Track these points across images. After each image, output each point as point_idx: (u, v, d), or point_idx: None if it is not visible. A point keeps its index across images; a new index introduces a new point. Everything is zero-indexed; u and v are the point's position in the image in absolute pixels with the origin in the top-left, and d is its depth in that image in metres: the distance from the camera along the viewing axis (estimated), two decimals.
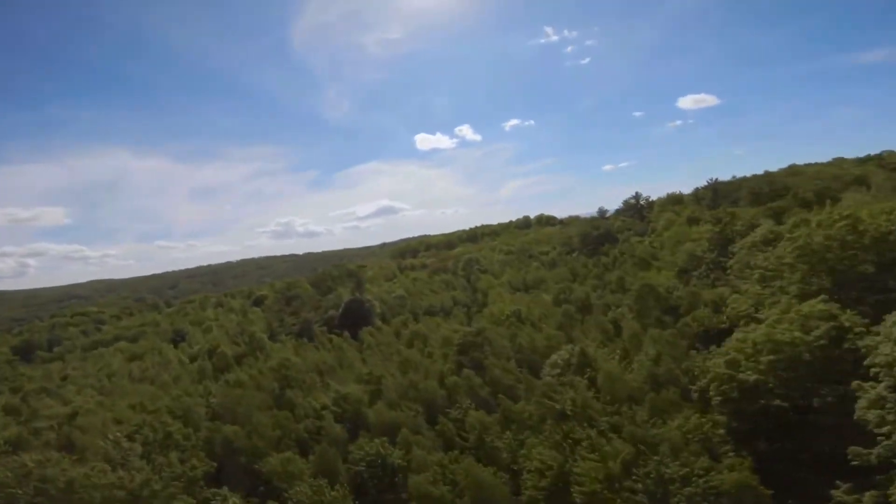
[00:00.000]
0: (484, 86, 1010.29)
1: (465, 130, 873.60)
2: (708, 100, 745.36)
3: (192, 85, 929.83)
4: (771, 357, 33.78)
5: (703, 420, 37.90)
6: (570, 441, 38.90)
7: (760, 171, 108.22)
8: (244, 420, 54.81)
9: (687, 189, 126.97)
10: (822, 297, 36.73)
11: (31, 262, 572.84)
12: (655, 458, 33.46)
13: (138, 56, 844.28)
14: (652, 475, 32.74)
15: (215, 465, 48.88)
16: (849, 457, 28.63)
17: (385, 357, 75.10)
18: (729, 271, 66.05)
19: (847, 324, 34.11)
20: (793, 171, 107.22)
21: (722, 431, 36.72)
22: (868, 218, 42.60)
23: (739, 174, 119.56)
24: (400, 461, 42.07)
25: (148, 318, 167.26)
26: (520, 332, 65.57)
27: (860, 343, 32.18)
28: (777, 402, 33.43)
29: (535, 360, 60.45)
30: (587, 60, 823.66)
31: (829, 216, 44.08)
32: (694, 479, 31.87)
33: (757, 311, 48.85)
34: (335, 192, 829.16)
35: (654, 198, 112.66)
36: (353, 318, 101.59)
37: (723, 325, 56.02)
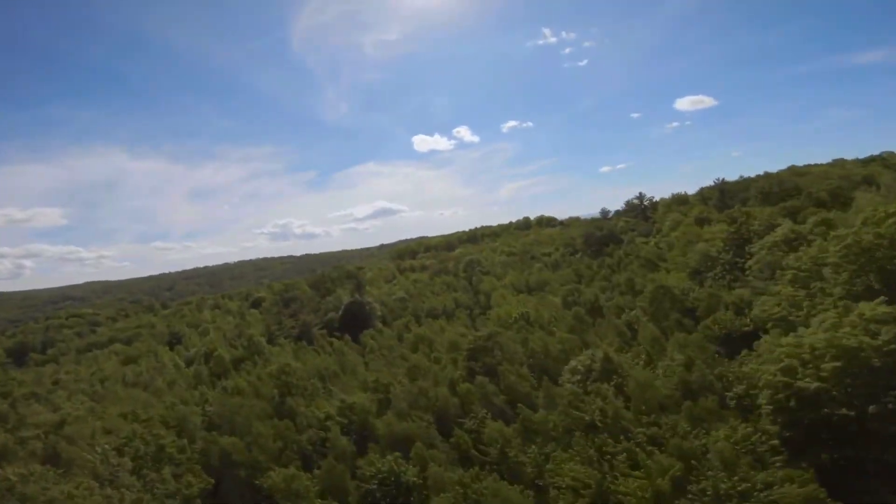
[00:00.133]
0: (482, 87, 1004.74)
1: (463, 132, 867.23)
2: (705, 101, 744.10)
3: (190, 85, 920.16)
4: (835, 363, 29.68)
5: (750, 430, 33.89)
6: (604, 455, 34.76)
7: (757, 173, 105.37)
8: (243, 430, 50.15)
9: (685, 190, 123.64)
10: (882, 298, 32.69)
11: (27, 263, 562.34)
12: (709, 472, 29.31)
13: (135, 56, 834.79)
14: (708, 492, 28.51)
15: (213, 481, 44.25)
16: None
17: (388, 361, 70.64)
18: (748, 272, 62.26)
19: None
20: (795, 171, 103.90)
21: (775, 442, 32.70)
22: None
23: (737, 175, 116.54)
24: (415, 479, 37.57)
25: (144, 320, 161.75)
26: (531, 336, 61.27)
27: None
28: (843, 410, 29.37)
29: (548, 364, 56.25)
30: (585, 62, 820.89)
31: (874, 213, 40.11)
32: (755, 494, 27.79)
33: (790, 313, 45.10)
34: (333, 194, 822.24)
35: (656, 198, 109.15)
36: (354, 321, 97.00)
37: (746, 328, 52.23)
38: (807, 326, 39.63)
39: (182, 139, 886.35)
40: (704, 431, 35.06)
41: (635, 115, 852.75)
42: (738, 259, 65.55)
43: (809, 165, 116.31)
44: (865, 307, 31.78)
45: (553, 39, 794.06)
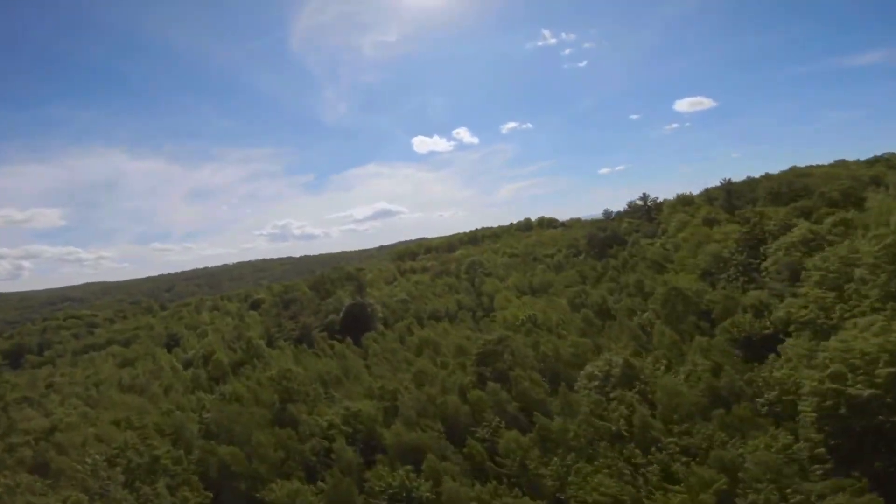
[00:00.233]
0: (481, 88, 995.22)
1: (463, 133, 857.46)
2: (704, 102, 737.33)
3: (189, 86, 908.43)
4: (890, 369, 26.77)
5: (791, 438, 30.99)
6: (635, 468, 31.75)
7: (758, 174, 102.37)
8: (242, 439, 46.81)
9: (685, 191, 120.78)
10: None
11: (26, 264, 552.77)
12: (757, 484, 26.33)
13: (134, 57, 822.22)
14: None
15: (211, 494, 40.92)
16: None
17: (392, 366, 67.38)
18: (763, 273, 59.43)
19: None
20: (800, 172, 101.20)
21: (820, 450, 29.76)
22: None
23: (737, 176, 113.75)
24: (429, 494, 34.39)
25: (142, 321, 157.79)
26: (541, 340, 58.20)
27: None
28: None
29: (559, 368, 53.18)
30: (584, 63, 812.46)
31: None
32: None
33: (818, 316, 42.22)
34: (332, 195, 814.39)
35: (660, 199, 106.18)
36: (355, 323, 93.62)
37: (767, 332, 49.36)
38: (840, 330, 36.93)
39: (181, 140, 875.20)
40: (741, 441, 32.18)
41: (634, 117, 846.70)
42: (752, 260, 62.69)
43: (811, 166, 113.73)
44: None
45: (553, 40, 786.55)
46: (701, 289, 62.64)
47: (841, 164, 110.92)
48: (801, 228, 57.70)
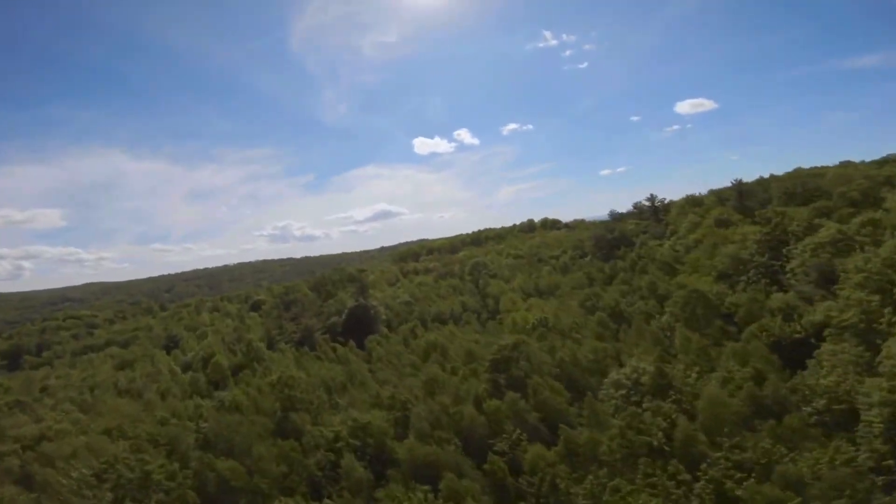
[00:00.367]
0: (482, 90, 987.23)
1: (464, 134, 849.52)
2: (706, 104, 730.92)
3: (189, 86, 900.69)
4: None
5: (853, 450, 27.21)
6: (680, 485, 27.84)
7: (759, 175, 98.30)
8: (242, 451, 42.73)
9: (686, 193, 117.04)
10: None
11: (27, 264, 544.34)
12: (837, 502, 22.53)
13: (135, 57, 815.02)
14: None
15: None
16: None
17: (398, 370, 63.34)
18: (788, 275, 55.72)
19: None
20: (810, 172, 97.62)
21: (889, 462, 25.96)
22: None
23: (737, 178, 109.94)
24: None
25: (141, 322, 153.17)
26: (556, 344, 54.33)
27: None
28: None
29: (576, 375, 49.32)
30: (585, 65, 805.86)
31: None
32: None
33: (862, 320, 38.45)
34: (332, 196, 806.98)
35: (667, 200, 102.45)
36: (358, 325, 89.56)
37: (797, 336, 45.66)
38: (892, 336, 33.23)
39: (181, 140, 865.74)
40: (798, 454, 28.35)
41: (635, 118, 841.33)
42: (774, 262, 58.97)
43: (817, 167, 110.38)
44: None
45: (553, 42, 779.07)
46: (720, 291, 58.90)
47: (847, 164, 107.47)
48: (830, 229, 53.98)
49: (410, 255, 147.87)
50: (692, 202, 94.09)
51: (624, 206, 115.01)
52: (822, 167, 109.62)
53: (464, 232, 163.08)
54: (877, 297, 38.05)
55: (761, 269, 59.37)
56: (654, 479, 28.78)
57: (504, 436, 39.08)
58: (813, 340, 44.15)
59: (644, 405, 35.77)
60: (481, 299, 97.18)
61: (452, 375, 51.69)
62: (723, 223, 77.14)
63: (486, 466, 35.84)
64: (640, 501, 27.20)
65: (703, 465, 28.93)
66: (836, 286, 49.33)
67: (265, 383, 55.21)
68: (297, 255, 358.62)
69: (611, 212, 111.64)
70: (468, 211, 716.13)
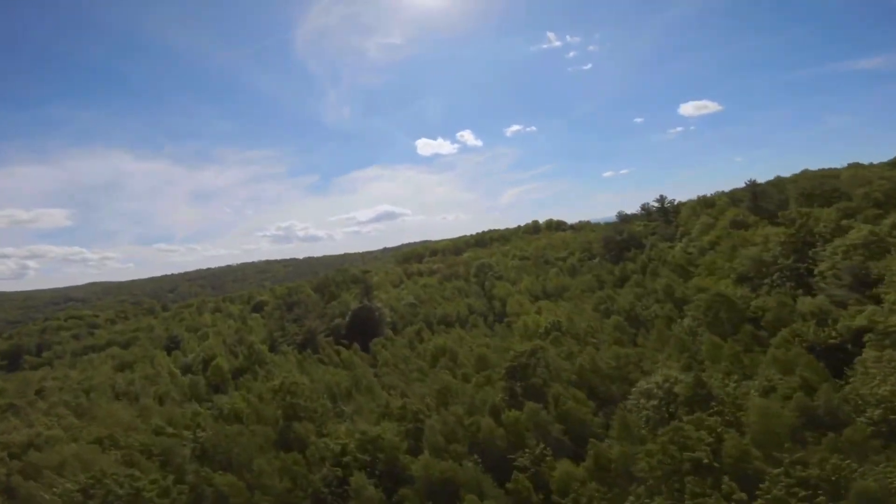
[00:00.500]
0: (485, 91, 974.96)
1: (467, 136, 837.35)
2: (710, 106, 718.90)
3: (192, 88, 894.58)
4: None
5: None
6: None
7: (762, 177, 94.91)
8: (242, 465, 38.91)
9: (690, 196, 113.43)
10: None
11: (31, 263, 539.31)
12: None
13: (139, 59, 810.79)
14: None
15: None
16: None
17: (405, 376, 59.61)
18: (817, 278, 52.01)
19: None
20: (823, 174, 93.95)
21: None
22: None
23: (741, 181, 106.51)
24: None
25: (143, 322, 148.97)
26: (574, 350, 50.59)
27: None
28: None
29: (595, 382, 45.56)
30: (589, 66, 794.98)
31: None
32: None
33: None
34: (335, 197, 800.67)
35: (677, 201, 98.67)
36: (362, 328, 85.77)
37: (832, 341, 41.94)
38: None
39: (185, 141, 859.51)
40: (866, 468, 24.63)
41: (639, 120, 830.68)
42: (799, 264, 55.28)
43: (824, 169, 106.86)
44: None
45: (557, 43, 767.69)
46: (744, 295, 55.19)
47: (857, 166, 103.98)
48: (861, 231, 50.28)
49: (414, 257, 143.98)
50: (704, 203, 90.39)
51: (627, 208, 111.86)
52: (831, 169, 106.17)
53: (466, 233, 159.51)
54: None
55: (786, 271, 55.64)
56: (705, 498, 25.01)
57: (526, 450, 35.32)
58: (849, 346, 40.76)
59: (683, 417, 31.88)
60: (487, 301, 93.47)
61: (465, 383, 47.90)
62: (738, 225, 73.42)
63: (509, 485, 32.02)
64: None
65: (765, 484, 25.11)
66: (871, 290, 45.89)
67: (267, 389, 51.38)
68: (300, 256, 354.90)
69: (619, 213, 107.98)
70: (471, 212, 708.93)
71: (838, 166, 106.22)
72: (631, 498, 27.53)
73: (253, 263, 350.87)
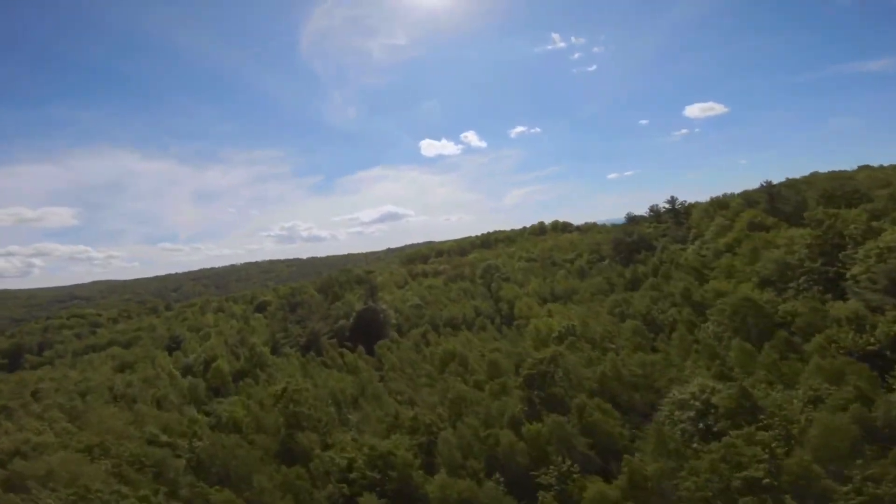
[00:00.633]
0: (490, 92, 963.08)
1: (471, 137, 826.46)
2: (716, 108, 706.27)
3: (198, 88, 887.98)
4: None
5: None
6: None
7: (766, 180, 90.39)
8: (240, 478, 35.32)
9: (695, 198, 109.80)
10: None
11: (37, 261, 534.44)
12: None
13: (144, 59, 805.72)
14: None
15: None
16: None
17: (413, 381, 55.98)
18: (849, 282, 48.41)
19: None
20: (824, 177, 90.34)
21: None
22: None
23: (746, 183, 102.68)
24: None
25: (145, 322, 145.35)
26: (592, 356, 46.97)
27: None
28: None
29: (617, 390, 41.92)
30: (594, 67, 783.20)
31: None
32: None
33: None
34: (339, 197, 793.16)
35: (688, 202, 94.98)
36: (367, 329, 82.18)
37: (871, 347, 38.47)
38: None
39: (189, 141, 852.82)
40: None
41: (643, 122, 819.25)
42: (828, 267, 51.70)
43: (833, 171, 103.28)
44: None
45: (562, 44, 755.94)
46: (770, 299, 51.55)
47: (868, 168, 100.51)
48: (895, 233, 46.67)
49: (418, 257, 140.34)
50: (717, 204, 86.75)
51: (632, 210, 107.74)
52: (841, 171, 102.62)
53: (474, 234, 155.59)
54: None
55: (814, 275, 52.06)
56: None
57: (550, 466, 31.68)
58: (888, 353, 37.43)
59: (731, 432, 28.17)
60: (494, 303, 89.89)
61: (478, 391, 44.23)
62: (756, 226, 69.78)
63: None
64: None
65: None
66: None
67: (268, 394, 47.76)
68: (304, 256, 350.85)
69: (627, 214, 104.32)
70: (474, 213, 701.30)
71: (847, 168, 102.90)
72: None
73: (256, 263, 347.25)
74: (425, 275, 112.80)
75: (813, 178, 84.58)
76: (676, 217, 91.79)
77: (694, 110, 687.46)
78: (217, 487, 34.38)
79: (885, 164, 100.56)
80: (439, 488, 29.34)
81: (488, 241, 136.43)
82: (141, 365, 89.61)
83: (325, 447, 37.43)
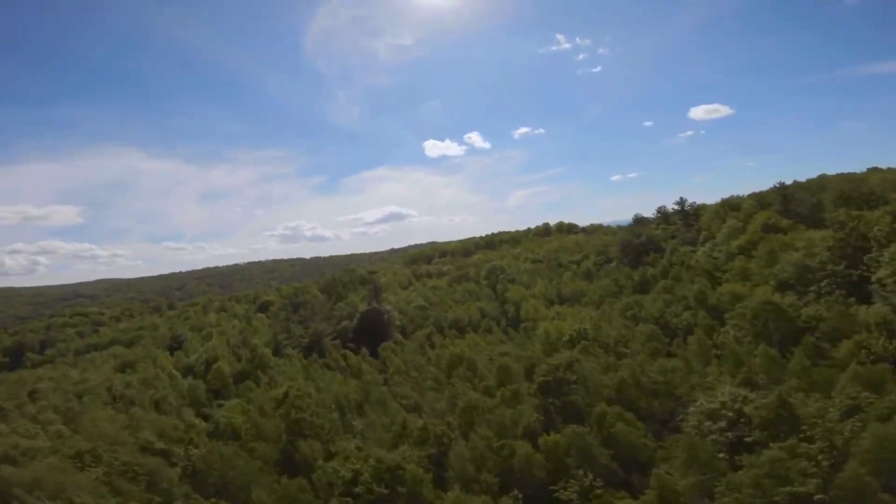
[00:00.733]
0: (494, 93, 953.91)
1: (475, 137, 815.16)
2: (721, 110, 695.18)
3: (203, 88, 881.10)
4: None
5: None
6: None
7: (773, 183, 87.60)
8: (238, 489, 32.71)
9: (701, 200, 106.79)
10: None
11: (42, 259, 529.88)
12: None
13: (150, 59, 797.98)
14: None
15: None
16: None
17: (418, 385, 53.31)
18: (875, 285, 45.73)
19: None
20: (834, 179, 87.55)
21: None
22: None
23: (751, 186, 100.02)
24: None
25: (147, 321, 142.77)
26: (608, 362, 44.28)
27: None
28: None
29: (635, 397, 39.24)
30: (599, 69, 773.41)
31: None
32: None
33: None
34: (343, 197, 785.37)
35: (698, 203, 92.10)
36: (370, 330, 79.55)
37: None
38: None
39: (194, 141, 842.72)
40: None
41: (648, 124, 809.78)
42: (851, 270, 49.01)
43: (842, 174, 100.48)
44: None
45: (567, 45, 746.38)
46: (792, 303, 48.84)
47: (878, 170, 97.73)
48: None
49: (422, 258, 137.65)
50: (728, 206, 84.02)
51: (636, 212, 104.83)
52: (851, 173, 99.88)
53: (478, 235, 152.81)
54: None
55: (837, 278, 49.37)
56: None
57: (571, 480, 29.01)
58: None
59: (772, 444, 25.49)
60: (500, 305, 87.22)
61: (488, 398, 41.52)
62: (771, 228, 67.06)
63: None
64: None
65: None
66: None
67: (269, 399, 45.10)
68: (308, 256, 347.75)
69: (635, 216, 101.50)
70: (478, 214, 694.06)
71: (854, 171, 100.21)
72: None
73: (260, 263, 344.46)
74: (429, 275, 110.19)
75: (823, 181, 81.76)
76: (686, 219, 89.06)
77: (699, 112, 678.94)
78: (213, 500, 31.81)
79: (895, 167, 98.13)
80: None
81: (493, 242, 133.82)
82: (142, 365, 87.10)
83: (329, 457, 34.79)
